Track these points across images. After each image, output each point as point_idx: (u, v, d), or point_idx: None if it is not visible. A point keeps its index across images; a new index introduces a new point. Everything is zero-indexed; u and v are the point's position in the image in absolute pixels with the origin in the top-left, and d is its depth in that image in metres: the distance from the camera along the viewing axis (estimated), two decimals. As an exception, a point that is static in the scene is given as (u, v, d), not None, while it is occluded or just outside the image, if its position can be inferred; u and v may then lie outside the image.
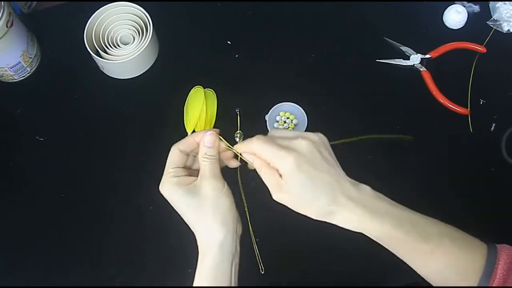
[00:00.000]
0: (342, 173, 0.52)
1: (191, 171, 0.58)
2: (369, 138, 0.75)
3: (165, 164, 0.78)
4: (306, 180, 0.49)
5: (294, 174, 0.49)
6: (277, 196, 0.51)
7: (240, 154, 0.55)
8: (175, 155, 0.56)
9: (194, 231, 0.54)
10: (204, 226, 0.53)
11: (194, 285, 0.54)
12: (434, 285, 0.54)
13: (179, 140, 0.77)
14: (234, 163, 0.58)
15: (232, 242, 0.54)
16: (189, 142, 0.56)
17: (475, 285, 0.50)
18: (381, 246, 0.70)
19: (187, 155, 0.57)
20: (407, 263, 0.53)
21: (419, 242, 0.50)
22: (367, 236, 0.51)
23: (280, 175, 0.50)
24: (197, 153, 0.56)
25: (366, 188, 0.52)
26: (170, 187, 0.54)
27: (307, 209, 0.51)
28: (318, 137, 0.53)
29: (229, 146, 0.56)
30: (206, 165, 0.54)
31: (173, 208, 0.74)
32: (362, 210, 0.49)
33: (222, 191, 0.54)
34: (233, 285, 0.54)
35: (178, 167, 0.56)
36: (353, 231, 0.52)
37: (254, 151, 0.52)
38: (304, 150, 0.50)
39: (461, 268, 0.51)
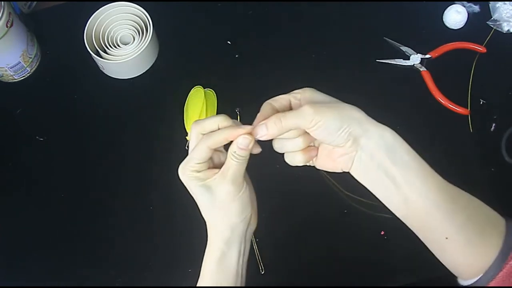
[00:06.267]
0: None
1: (215, 162, 0.55)
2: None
3: (165, 163, 0.78)
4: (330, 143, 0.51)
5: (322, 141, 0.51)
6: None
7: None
8: (203, 152, 0.52)
9: (205, 220, 0.54)
10: (212, 223, 0.53)
11: (201, 275, 0.54)
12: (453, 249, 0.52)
13: (178, 140, 0.78)
14: (257, 150, 0.54)
15: (239, 240, 0.53)
16: (219, 140, 0.52)
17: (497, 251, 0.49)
18: (380, 247, 0.71)
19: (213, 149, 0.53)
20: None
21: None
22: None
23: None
24: (224, 148, 0.53)
25: (386, 132, 0.53)
26: (190, 179, 0.52)
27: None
28: (306, 98, 0.55)
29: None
30: (232, 165, 0.51)
31: (174, 209, 0.74)
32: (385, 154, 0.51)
33: (236, 195, 0.51)
34: (242, 281, 0.54)
35: (201, 163, 0.52)
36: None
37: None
38: (315, 119, 0.50)
39: (482, 227, 0.50)
